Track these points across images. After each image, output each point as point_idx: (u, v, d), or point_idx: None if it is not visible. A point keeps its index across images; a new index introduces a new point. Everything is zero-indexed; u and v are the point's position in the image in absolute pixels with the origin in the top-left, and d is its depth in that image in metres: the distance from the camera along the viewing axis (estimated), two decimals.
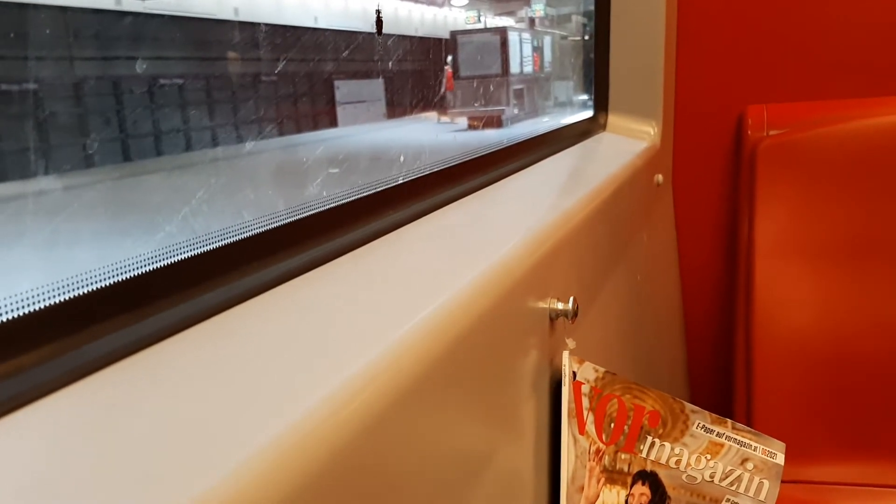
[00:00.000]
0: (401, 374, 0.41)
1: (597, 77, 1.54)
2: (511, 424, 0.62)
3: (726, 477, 0.72)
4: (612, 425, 0.71)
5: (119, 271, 0.41)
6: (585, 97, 1.70)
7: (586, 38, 1.73)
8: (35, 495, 0.28)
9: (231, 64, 1.18)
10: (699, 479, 0.71)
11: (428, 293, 0.51)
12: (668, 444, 0.72)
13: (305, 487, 0.32)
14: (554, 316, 0.70)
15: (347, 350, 0.42)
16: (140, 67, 0.97)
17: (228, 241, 0.50)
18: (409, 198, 0.75)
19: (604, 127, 1.55)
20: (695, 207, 1.61)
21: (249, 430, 0.33)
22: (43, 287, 0.37)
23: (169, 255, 0.45)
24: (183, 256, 0.46)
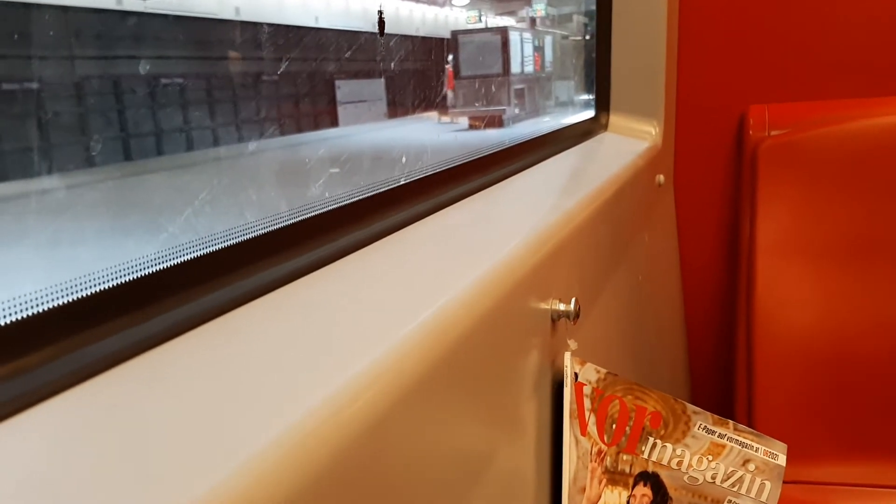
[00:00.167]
0: (403, 375, 0.41)
1: (598, 77, 1.54)
2: (513, 425, 0.62)
3: (728, 478, 0.72)
4: (614, 426, 0.71)
5: (122, 272, 0.41)
6: (586, 97, 1.70)
7: (587, 37, 1.73)
8: (39, 496, 0.28)
9: (231, 64, 1.18)
10: (701, 481, 0.71)
11: (430, 294, 0.51)
12: (669, 446, 0.72)
13: (308, 487, 0.32)
14: (556, 317, 0.70)
15: (350, 350, 0.42)
16: (139, 67, 0.97)
17: (232, 242, 0.50)
18: (411, 199, 0.75)
19: (605, 127, 1.55)
20: (696, 207, 1.61)
21: (252, 430, 0.33)
22: (46, 288, 0.37)
23: (172, 256, 0.45)
24: (187, 257, 0.46)
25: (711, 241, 1.62)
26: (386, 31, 0.86)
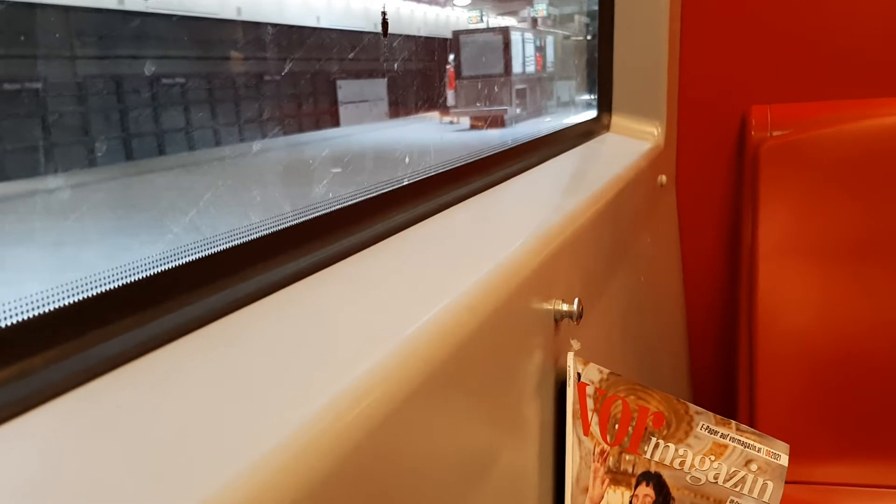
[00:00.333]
0: (407, 376, 0.41)
1: (600, 78, 1.54)
2: (515, 425, 0.62)
3: (730, 478, 0.72)
4: (617, 426, 0.71)
5: (126, 274, 0.41)
6: (588, 97, 1.70)
7: (589, 37, 1.73)
8: (44, 497, 0.28)
9: (233, 64, 1.18)
10: (703, 481, 0.71)
11: (434, 295, 0.52)
12: (672, 446, 0.72)
13: (313, 490, 0.32)
14: (559, 317, 0.70)
15: (354, 352, 0.42)
16: (140, 67, 0.98)
17: (235, 243, 0.50)
18: (414, 199, 0.75)
19: (607, 128, 1.55)
20: (698, 208, 1.61)
21: (257, 433, 0.33)
22: (50, 290, 0.37)
23: (176, 257, 0.45)
24: (190, 259, 0.46)
25: (713, 241, 1.62)
26: (388, 31, 0.86)
